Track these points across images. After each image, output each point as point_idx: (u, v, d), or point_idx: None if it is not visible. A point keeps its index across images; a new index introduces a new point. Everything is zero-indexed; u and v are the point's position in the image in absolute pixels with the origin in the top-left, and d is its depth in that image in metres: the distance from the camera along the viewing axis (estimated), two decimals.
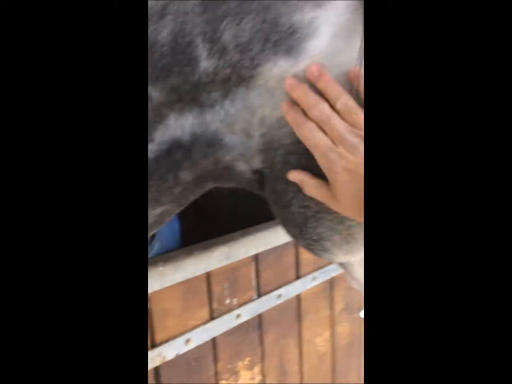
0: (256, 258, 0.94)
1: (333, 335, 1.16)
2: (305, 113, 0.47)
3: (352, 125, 0.45)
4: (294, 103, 0.48)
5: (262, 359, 0.99)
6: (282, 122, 0.50)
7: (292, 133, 0.49)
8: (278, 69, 0.48)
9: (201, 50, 0.49)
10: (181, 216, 1.05)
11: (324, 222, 0.55)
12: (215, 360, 0.90)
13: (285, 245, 0.99)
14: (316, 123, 0.46)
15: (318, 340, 1.12)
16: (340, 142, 0.45)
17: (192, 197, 0.64)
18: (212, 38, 0.48)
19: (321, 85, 0.46)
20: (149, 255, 0.84)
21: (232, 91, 0.50)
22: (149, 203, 0.61)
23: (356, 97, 0.46)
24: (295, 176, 0.52)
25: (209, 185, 0.62)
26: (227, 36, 0.47)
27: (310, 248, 0.60)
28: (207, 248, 0.85)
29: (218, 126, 0.52)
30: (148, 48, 0.50)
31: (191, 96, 0.51)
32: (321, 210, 0.54)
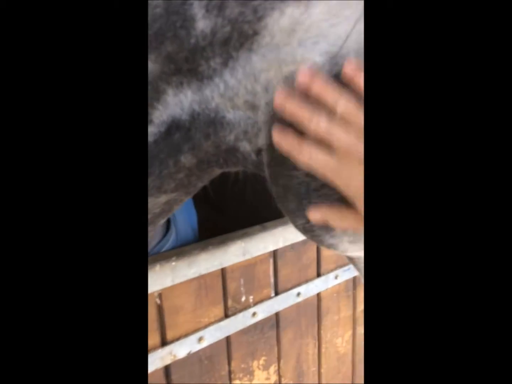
0: (274, 254, 0.89)
1: (354, 336, 1.11)
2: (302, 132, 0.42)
3: (358, 129, 0.39)
4: (284, 126, 0.43)
5: (279, 359, 0.95)
6: (289, 80, 0.44)
7: None
8: (287, 19, 0.42)
9: (197, 8, 0.43)
10: (198, 208, 1.01)
11: (329, 199, 0.48)
12: (229, 359, 0.86)
13: (305, 241, 0.94)
14: (317, 140, 0.41)
15: (338, 341, 1.07)
16: (348, 157, 0.39)
17: (200, 184, 0.60)
18: None
19: (315, 90, 0.40)
20: (164, 248, 0.81)
21: (233, 57, 0.45)
22: (151, 191, 0.58)
23: (356, 95, 0.40)
24: (315, 215, 0.46)
25: (216, 171, 0.58)
26: None
27: (308, 229, 0.53)
28: (223, 242, 0.80)
29: (219, 101, 0.47)
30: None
31: (189, 65, 0.46)
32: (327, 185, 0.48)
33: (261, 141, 0.49)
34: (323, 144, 0.41)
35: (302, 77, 0.41)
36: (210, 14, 0.43)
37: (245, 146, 0.50)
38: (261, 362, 0.92)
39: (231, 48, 0.45)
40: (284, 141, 0.43)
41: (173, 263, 0.74)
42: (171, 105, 0.49)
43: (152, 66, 0.47)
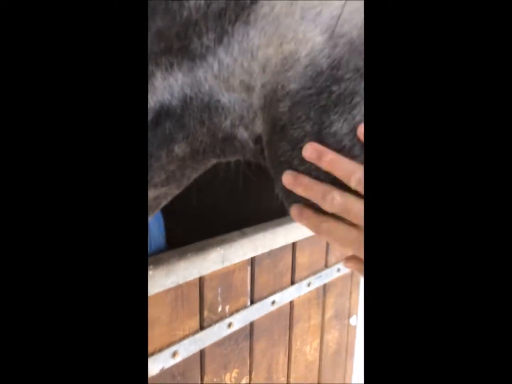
0: (252, 261, 0.86)
1: (321, 343, 1.10)
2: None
3: None
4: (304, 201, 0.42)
5: (250, 370, 0.91)
6: (289, 62, 0.40)
7: (302, 75, 0.40)
8: None
9: None
10: (166, 212, 0.95)
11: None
12: (202, 373, 0.81)
13: (282, 248, 0.91)
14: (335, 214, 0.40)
15: (306, 348, 1.06)
16: None
17: (194, 175, 0.55)
18: None
19: (325, 166, 0.39)
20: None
21: (228, 32, 0.41)
22: None
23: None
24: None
25: (211, 161, 0.53)
26: None
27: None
28: (202, 249, 0.75)
29: (213, 83, 0.43)
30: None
31: (180, 42, 0.42)
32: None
33: (258, 128, 0.45)
34: (342, 218, 0.39)
35: (309, 153, 0.39)
36: None
37: (242, 133, 0.46)
38: (234, 374, 0.88)
39: (226, 22, 0.40)
40: (302, 217, 0.42)
41: (150, 272, 0.67)
42: (159, 89, 0.44)
43: None
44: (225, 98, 0.44)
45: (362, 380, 1.26)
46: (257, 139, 0.46)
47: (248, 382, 0.91)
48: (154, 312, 0.70)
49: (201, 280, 0.76)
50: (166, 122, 0.46)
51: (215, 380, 0.84)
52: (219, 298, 0.81)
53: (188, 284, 0.74)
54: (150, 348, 0.70)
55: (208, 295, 0.78)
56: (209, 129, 0.46)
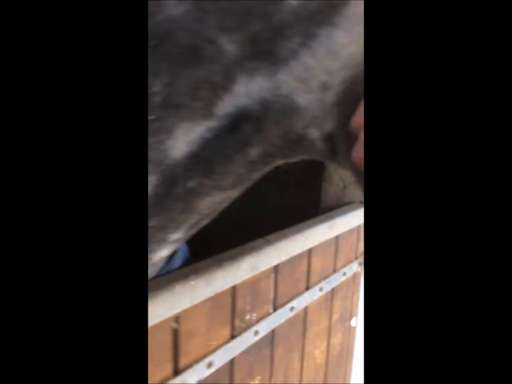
0: (275, 269, 0.86)
1: (328, 346, 1.13)
2: None
3: None
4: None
5: (270, 377, 0.92)
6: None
7: None
8: None
9: None
10: None
11: None
12: (231, 382, 0.80)
13: (300, 254, 0.93)
14: None
15: (316, 352, 1.08)
16: None
17: (256, 177, 0.55)
18: None
19: None
20: (176, 264, 0.72)
21: (314, 34, 0.41)
22: (210, 191, 0.53)
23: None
24: None
25: (277, 162, 0.54)
26: None
27: None
28: (234, 258, 0.75)
29: (293, 86, 0.44)
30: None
31: (267, 47, 0.42)
32: None
33: (329, 126, 0.46)
34: None
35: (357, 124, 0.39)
36: None
37: (312, 133, 0.47)
38: (256, 381, 0.88)
39: (313, 24, 0.41)
40: None
41: (192, 282, 0.66)
42: (239, 95, 0.45)
43: (232, 49, 0.42)
44: (302, 99, 0.44)
45: (361, 380, 1.30)
46: (327, 137, 0.47)
47: None
48: (194, 323, 0.69)
49: (233, 289, 0.76)
50: (245, 126, 0.46)
51: None
52: (247, 307, 0.81)
53: (223, 293, 0.73)
54: (188, 361, 0.69)
55: (239, 304, 0.78)
56: (283, 131, 0.47)
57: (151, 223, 0.55)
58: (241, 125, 0.46)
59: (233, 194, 0.55)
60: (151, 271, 0.66)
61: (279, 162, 0.53)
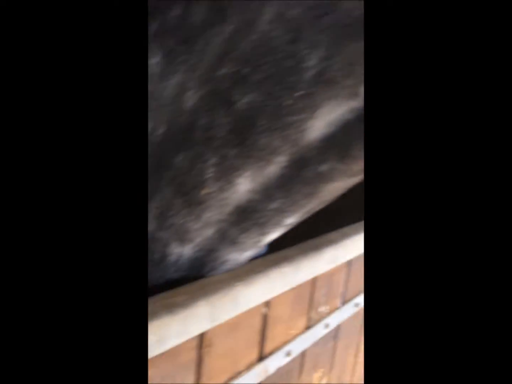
0: (349, 263, 0.85)
1: None
2: None
3: None
4: None
5: (330, 370, 0.91)
6: None
7: None
8: None
9: None
10: None
11: None
12: (300, 372, 0.80)
13: None
14: None
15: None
16: None
17: None
18: None
19: None
20: (264, 251, 0.71)
21: None
22: (340, 176, 0.53)
23: None
24: None
25: None
26: None
27: None
28: (318, 249, 0.74)
29: None
30: None
31: None
32: None
33: None
34: None
35: None
36: None
37: None
38: (319, 374, 0.87)
39: None
40: None
41: (284, 269, 0.65)
42: None
43: None
44: None
45: None
46: None
47: (326, 383, 0.91)
48: (280, 310, 0.68)
49: (314, 280, 0.75)
50: None
51: (307, 379, 0.83)
52: (322, 299, 0.80)
53: (306, 283, 0.73)
54: (271, 347, 0.69)
55: (316, 295, 0.77)
56: None
57: (272, 205, 0.54)
58: None
59: (356, 181, 0.54)
60: (254, 254, 0.65)
61: None
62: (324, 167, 0.50)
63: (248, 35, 0.45)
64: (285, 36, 0.43)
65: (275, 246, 0.73)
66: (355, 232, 0.85)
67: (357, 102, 0.46)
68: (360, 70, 0.43)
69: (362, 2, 0.41)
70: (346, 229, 0.85)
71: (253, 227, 0.59)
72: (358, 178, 0.54)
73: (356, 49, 0.42)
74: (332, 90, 0.45)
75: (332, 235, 0.81)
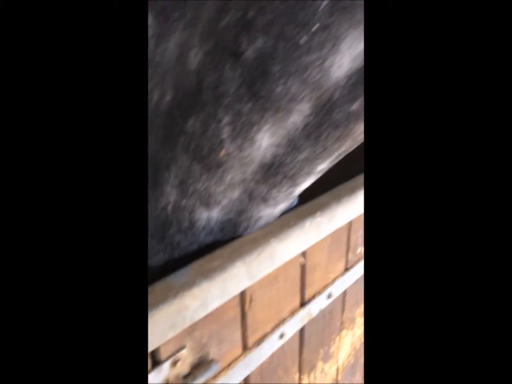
0: None
1: None
2: None
3: None
4: None
5: None
6: None
7: None
8: None
9: None
10: None
11: None
12: (343, 310, 0.83)
13: None
14: None
15: None
16: None
17: None
18: None
19: None
20: (294, 204, 0.71)
21: None
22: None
23: None
24: None
25: None
26: None
27: None
28: (352, 192, 0.73)
29: None
30: None
31: None
32: None
33: None
34: None
35: None
36: None
37: None
38: (361, 309, 0.90)
39: None
40: None
41: (318, 219, 0.65)
42: None
43: None
44: None
45: None
46: None
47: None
48: (318, 257, 0.69)
49: (350, 224, 0.75)
50: None
51: (350, 315, 0.86)
52: (359, 240, 0.80)
53: (342, 228, 0.73)
54: (312, 292, 0.71)
55: (353, 237, 0.78)
56: None
57: (301, 155, 0.52)
58: None
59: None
60: (288, 205, 0.65)
61: None
62: (355, 105, 0.46)
63: None
64: None
65: (308, 194, 0.73)
66: None
67: None
68: None
69: None
70: None
71: (283, 181, 0.58)
72: None
73: None
74: (352, 18, 0.39)
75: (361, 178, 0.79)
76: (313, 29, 0.40)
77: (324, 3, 0.39)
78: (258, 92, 0.45)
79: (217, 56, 0.46)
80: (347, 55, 0.42)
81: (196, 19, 0.48)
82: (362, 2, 0.39)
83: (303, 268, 0.67)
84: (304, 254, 0.66)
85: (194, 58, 0.47)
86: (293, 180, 0.58)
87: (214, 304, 0.49)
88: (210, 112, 0.49)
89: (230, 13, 0.43)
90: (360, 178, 0.78)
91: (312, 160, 0.55)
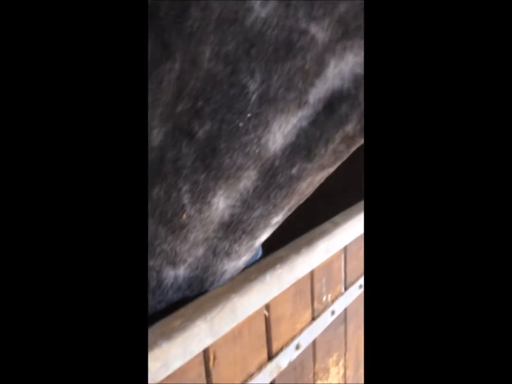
0: (344, 250, 0.88)
1: None
2: None
3: None
4: None
5: (345, 352, 0.95)
6: None
7: None
8: None
9: None
10: None
11: None
12: (314, 361, 0.83)
13: (363, 233, 0.94)
14: None
15: None
16: None
17: (354, 149, 0.57)
18: None
19: None
20: (257, 257, 0.74)
21: None
22: (312, 172, 0.56)
23: None
24: None
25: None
26: None
27: None
28: (309, 243, 0.77)
29: None
30: None
31: (357, 21, 0.44)
32: None
33: None
34: None
35: None
36: None
37: None
38: (334, 358, 0.91)
39: None
40: None
41: (279, 271, 0.68)
42: (330, 78, 0.48)
43: (323, 35, 0.45)
44: None
45: None
46: None
47: (344, 363, 0.95)
48: (281, 309, 0.71)
49: (312, 273, 0.78)
50: (341, 106, 0.49)
51: (322, 366, 0.87)
52: (323, 289, 0.83)
53: (303, 278, 0.76)
54: (279, 344, 0.72)
55: (317, 286, 0.80)
56: None
57: (255, 213, 0.58)
58: (336, 106, 0.49)
59: (332, 169, 0.58)
60: (248, 260, 0.69)
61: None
62: (294, 170, 0.55)
63: (194, 73, 0.49)
64: (226, 70, 0.47)
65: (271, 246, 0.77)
66: (346, 219, 0.87)
67: (306, 110, 0.49)
68: (298, 83, 0.47)
69: (285, 28, 0.44)
70: (336, 218, 0.87)
71: (243, 236, 0.63)
72: (330, 170, 0.57)
73: (289, 67, 0.46)
74: (277, 106, 0.49)
75: (324, 226, 0.84)
76: (248, 116, 0.49)
77: (253, 97, 0.48)
78: (210, 164, 0.52)
79: (175, 135, 0.53)
80: (279, 134, 0.51)
81: (156, 102, 0.54)
82: (285, 96, 0.47)
83: (267, 320, 0.69)
84: (267, 306, 0.68)
85: (156, 136, 0.54)
86: (252, 234, 0.63)
87: (176, 364, 0.50)
88: (172, 182, 0.55)
89: (184, 101, 0.51)
90: (319, 229, 0.83)
91: (266, 216, 0.60)
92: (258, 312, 0.66)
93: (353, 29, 0.44)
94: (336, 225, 0.85)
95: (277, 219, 0.64)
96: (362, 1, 0.43)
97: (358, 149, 0.58)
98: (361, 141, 0.55)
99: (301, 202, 0.63)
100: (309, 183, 0.58)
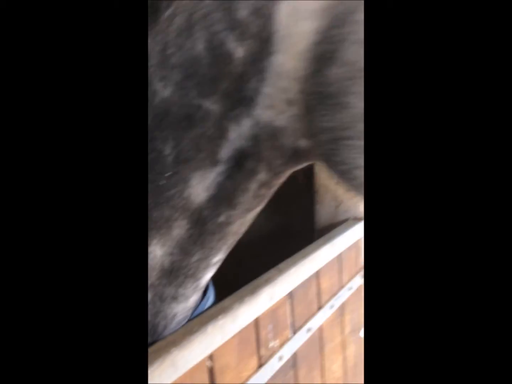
0: (290, 295, 0.92)
1: (344, 359, 1.18)
2: None
3: None
4: None
5: None
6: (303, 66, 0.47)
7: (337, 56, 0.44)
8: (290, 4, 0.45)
9: (231, 42, 0.49)
10: None
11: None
12: None
13: (309, 278, 0.99)
14: None
15: (334, 367, 1.13)
16: None
17: (276, 188, 0.64)
18: (234, 24, 0.48)
19: None
20: (206, 307, 0.77)
21: (264, 69, 0.49)
22: (240, 215, 0.62)
23: None
24: None
25: (288, 172, 0.62)
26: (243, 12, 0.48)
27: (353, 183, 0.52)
28: (253, 292, 0.80)
29: (268, 113, 0.52)
30: (191, 65, 0.52)
31: (239, 94, 0.52)
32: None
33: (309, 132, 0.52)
34: None
35: None
36: (242, 42, 0.49)
37: (303, 142, 0.54)
38: None
39: (259, 61, 0.49)
40: None
41: (221, 322, 0.71)
42: (234, 139, 0.55)
43: (216, 107, 0.53)
44: (281, 120, 0.52)
45: None
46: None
47: None
48: (225, 359, 0.74)
49: (256, 321, 0.81)
50: (247, 162, 0.56)
51: None
52: (270, 335, 0.86)
53: (248, 326, 0.79)
54: None
55: (262, 333, 0.83)
56: (279, 152, 0.56)
57: (194, 258, 0.63)
58: (244, 162, 0.56)
59: (260, 208, 0.64)
60: (198, 299, 0.72)
61: (289, 171, 0.61)
62: (222, 218, 0.61)
63: None
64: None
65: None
66: (291, 266, 0.92)
67: (220, 167, 0.57)
68: (205, 145, 0.55)
69: (183, 104, 0.54)
70: (281, 265, 0.92)
71: (186, 279, 0.68)
72: (258, 209, 0.64)
73: (194, 134, 0.55)
74: (192, 165, 0.56)
75: (269, 273, 0.88)
76: (167, 175, 0.57)
77: (169, 159, 0.57)
78: None
79: None
80: (200, 188, 0.58)
81: None
82: (196, 157, 0.56)
83: (211, 371, 0.71)
84: (211, 357, 0.71)
85: None
86: (194, 277, 0.68)
87: None
88: None
89: None
90: (264, 277, 0.87)
91: (205, 258, 0.66)
92: (200, 364, 0.68)
93: (239, 100, 0.52)
94: (281, 271, 0.89)
95: (218, 258, 0.69)
96: (242, 76, 0.50)
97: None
98: (279, 184, 0.62)
99: (238, 239, 0.69)
100: (240, 224, 0.64)
